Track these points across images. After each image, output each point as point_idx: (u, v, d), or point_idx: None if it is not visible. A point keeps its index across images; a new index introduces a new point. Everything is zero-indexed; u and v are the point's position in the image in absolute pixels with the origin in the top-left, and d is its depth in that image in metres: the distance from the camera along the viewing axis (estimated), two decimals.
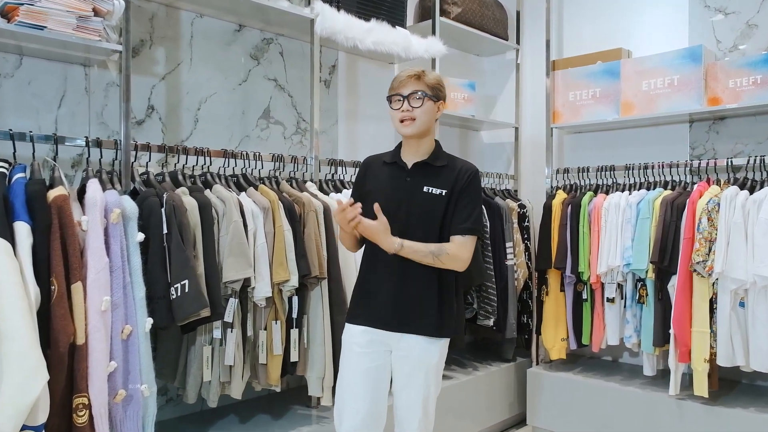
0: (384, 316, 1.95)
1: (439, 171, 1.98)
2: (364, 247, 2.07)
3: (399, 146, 2.07)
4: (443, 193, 1.95)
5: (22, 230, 1.65)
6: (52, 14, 1.89)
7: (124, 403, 1.84)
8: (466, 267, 1.98)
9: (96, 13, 1.99)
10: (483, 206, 3.24)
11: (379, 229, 1.88)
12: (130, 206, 1.91)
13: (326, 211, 2.47)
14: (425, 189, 1.96)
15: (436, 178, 1.97)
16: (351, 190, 2.16)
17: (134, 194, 2.09)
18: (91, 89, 2.33)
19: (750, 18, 3.02)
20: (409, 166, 2.00)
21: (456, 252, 1.93)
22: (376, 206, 1.88)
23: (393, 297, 1.95)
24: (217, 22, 2.70)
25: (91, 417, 1.74)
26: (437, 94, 1.97)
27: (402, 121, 1.94)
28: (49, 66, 2.22)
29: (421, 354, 1.95)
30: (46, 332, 1.67)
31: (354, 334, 2.01)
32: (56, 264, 1.69)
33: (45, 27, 1.89)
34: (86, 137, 2.12)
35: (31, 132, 1.95)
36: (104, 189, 1.90)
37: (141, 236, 1.92)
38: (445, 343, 2.00)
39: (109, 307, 1.78)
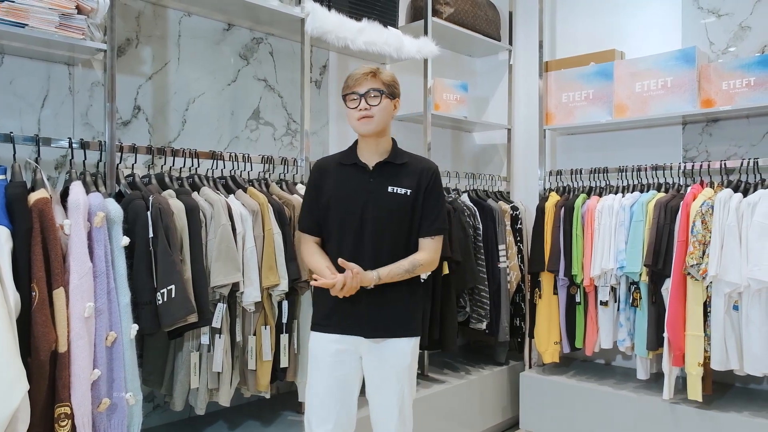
0: (359, 322, 1.94)
1: (401, 170, 1.98)
2: (328, 253, 2.01)
3: (354, 146, 2.04)
4: (408, 193, 1.95)
5: (2, 234, 1.60)
6: (34, 11, 1.84)
7: (108, 412, 1.80)
8: (436, 266, 2.06)
9: (79, 10, 1.94)
10: (475, 208, 3.23)
11: (358, 279, 1.85)
12: (115, 209, 1.86)
13: None
14: (390, 189, 1.95)
15: (399, 178, 1.97)
16: (304, 196, 2.09)
17: (119, 197, 2.04)
18: (75, 89, 2.27)
19: (743, 20, 3.01)
20: (371, 166, 1.98)
21: (428, 258, 1.97)
22: (342, 261, 1.84)
23: (369, 303, 1.93)
24: (206, 20, 2.65)
25: (73, 427, 1.69)
26: (393, 91, 1.97)
27: (359, 120, 1.92)
28: (32, 65, 2.17)
29: (394, 358, 1.96)
30: (27, 340, 1.63)
31: (323, 343, 1.98)
32: (37, 269, 1.64)
33: (26, 24, 1.84)
34: (70, 138, 2.06)
35: (12, 133, 1.90)
36: (88, 191, 1.86)
37: (126, 240, 1.87)
38: (416, 342, 2.01)
39: (92, 314, 1.74)
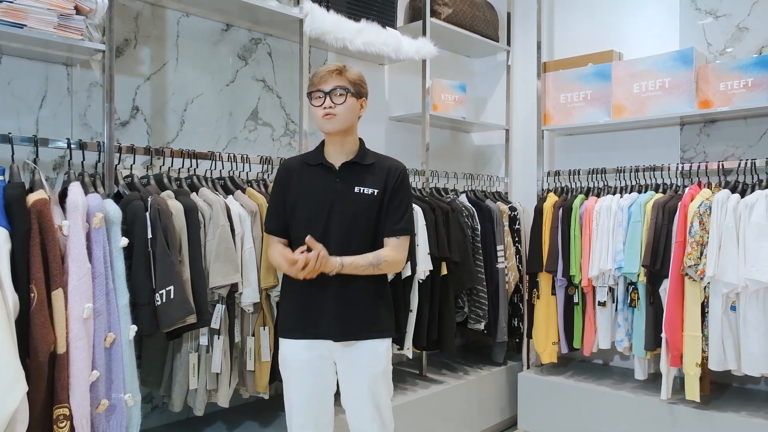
0: (328, 326, 1.91)
1: (368, 170, 1.95)
2: None
3: (321, 146, 2.02)
4: (375, 193, 1.93)
5: (0, 235, 1.60)
6: (33, 12, 1.84)
7: (107, 414, 1.79)
8: (402, 268, 2.00)
9: (78, 11, 1.94)
10: (473, 208, 3.24)
11: (321, 261, 1.80)
12: (114, 210, 1.86)
13: None
14: (357, 189, 1.92)
15: (366, 178, 1.94)
16: (270, 197, 2.08)
17: (118, 198, 2.03)
18: (73, 89, 2.27)
19: (741, 21, 3.02)
20: (337, 166, 1.95)
21: (393, 257, 1.92)
22: (309, 239, 1.80)
23: (335, 306, 1.90)
24: (204, 21, 2.65)
25: (72, 428, 1.69)
26: (359, 90, 1.93)
27: (323, 117, 1.89)
28: (30, 65, 2.16)
29: (369, 363, 1.93)
30: (26, 341, 1.62)
31: (294, 350, 1.95)
32: (36, 270, 1.64)
33: (25, 25, 1.84)
34: (68, 139, 2.06)
35: (10, 134, 1.89)
36: (86, 192, 1.85)
37: (125, 241, 1.87)
38: (389, 344, 1.98)
39: (91, 315, 1.74)
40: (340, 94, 1.88)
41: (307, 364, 1.93)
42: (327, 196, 1.92)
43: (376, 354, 1.93)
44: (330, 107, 1.88)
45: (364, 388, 1.93)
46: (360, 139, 2.02)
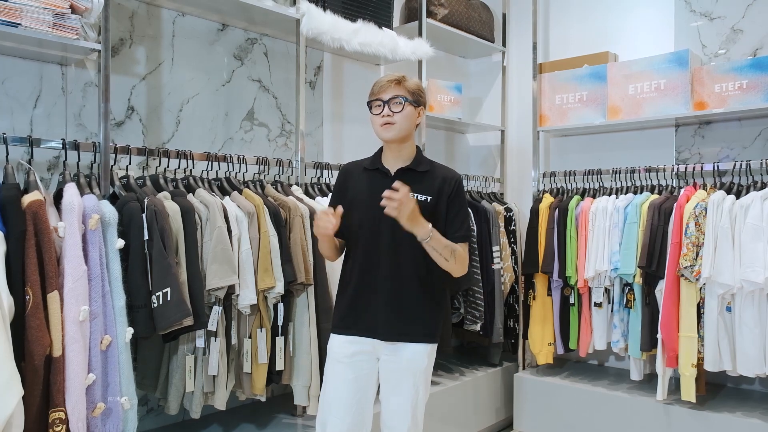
0: (376, 326, 1.95)
1: (422, 177, 1.99)
2: (344, 253, 2.06)
3: (379, 152, 2.06)
4: (429, 200, 1.96)
5: None
6: (27, 11, 1.82)
7: (103, 417, 1.78)
8: (464, 272, 2.00)
9: (73, 10, 1.92)
10: (470, 210, 3.24)
11: (412, 207, 1.79)
12: (110, 211, 1.84)
13: (312, 215, 2.42)
14: (410, 196, 1.93)
15: (420, 185, 1.97)
16: (330, 199, 2.12)
17: (114, 199, 2.02)
18: (68, 89, 2.25)
19: (735, 23, 3.03)
20: (393, 172, 1.99)
21: (463, 256, 1.95)
22: (397, 183, 1.79)
23: (386, 307, 1.93)
24: (200, 21, 2.63)
25: None
26: (418, 99, 1.97)
27: (382, 126, 1.94)
28: (25, 65, 2.14)
29: (411, 360, 1.96)
30: (21, 344, 1.60)
31: (340, 344, 1.99)
32: (31, 273, 1.62)
33: (19, 24, 1.82)
34: (63, 139, 2.04)
35: (4, 134, 1.87)
36: (82, 193, 1.84)
37: (121, 243, 1.85)
38: (433, 348, 2.01)
39: (87, 317, 1.72)
40: (398, 103, 1.92)
41: (350, 358, 1.96)
42: (381, 201, 1.93)
43: (419, 353, 1.96)
44: (388, 115, 1.92)
45: (403, 384, 1.95)
46: (417, 147, 2.05)
